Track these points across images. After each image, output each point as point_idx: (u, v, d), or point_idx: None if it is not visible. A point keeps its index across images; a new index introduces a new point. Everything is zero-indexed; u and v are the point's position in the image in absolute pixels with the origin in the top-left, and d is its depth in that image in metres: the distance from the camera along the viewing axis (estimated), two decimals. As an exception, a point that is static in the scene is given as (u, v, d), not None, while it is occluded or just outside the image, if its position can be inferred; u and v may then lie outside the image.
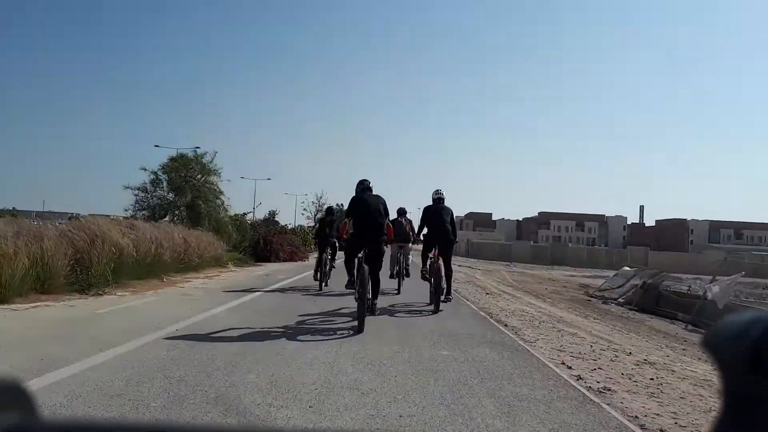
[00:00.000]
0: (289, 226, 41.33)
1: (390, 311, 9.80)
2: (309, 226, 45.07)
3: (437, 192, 10.70)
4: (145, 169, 23.61)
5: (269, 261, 23.12)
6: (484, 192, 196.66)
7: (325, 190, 68.50)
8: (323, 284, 12.95)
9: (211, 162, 24.89)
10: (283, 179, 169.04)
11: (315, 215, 50.57)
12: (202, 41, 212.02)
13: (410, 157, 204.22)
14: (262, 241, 24.27)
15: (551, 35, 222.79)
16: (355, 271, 8.39)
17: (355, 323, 7.64)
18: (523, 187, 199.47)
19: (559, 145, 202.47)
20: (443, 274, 10.08)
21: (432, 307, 9.92)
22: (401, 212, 13.25)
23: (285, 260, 24.20)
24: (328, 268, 13.22)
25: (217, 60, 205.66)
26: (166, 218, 21.82)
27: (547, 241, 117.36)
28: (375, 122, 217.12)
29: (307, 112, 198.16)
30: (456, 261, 46.85)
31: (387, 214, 8.81)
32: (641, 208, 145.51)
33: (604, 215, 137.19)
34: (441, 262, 10.17)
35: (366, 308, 7.70)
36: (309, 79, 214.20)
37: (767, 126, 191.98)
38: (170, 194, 22.96)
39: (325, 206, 47.30)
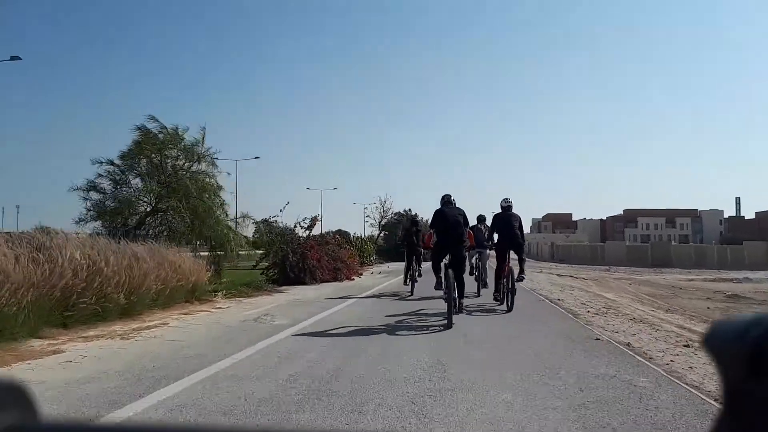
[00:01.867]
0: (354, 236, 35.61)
1: (469, 310, 10.47)
2: (371, 237, 39.68)
3: (506, 200, 11.22)
4: (100, 162, 15.60)
5: (303, 283, 16.33)
6: (562, 192, 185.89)
7: (390, 194, 60.16)
8: (413, 290, 13.42)
9: (199, 144, 16.60)
10: (349, 190, 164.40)
11: (380, 222, 44.98)
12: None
13: (481, 159, 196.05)
14: (292, 256, 16.66)
15: (622, 22, 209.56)
16: (441, 274, 9.27)
17: (445, 321, 8.52)
18: (605, 184, 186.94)
19: (644, 137, 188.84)
20: (515, 275, 10.55)
21: (504, 306, 10.67)
22: (481, 219, 14.12)
23: (325, 280, 17.43)
24: (417, 274, 13.74)
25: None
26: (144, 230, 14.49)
27: (635, 240, 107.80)
28: (445, 124, 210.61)
29: (367, 118, 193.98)
30: (544, 267, 39.91)
31: (467, 224, 9.75)
32: (737, 200, 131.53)
33: (696, 210, 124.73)
34: (514, 267, 10.79)
35: (454, 307, 8.67)
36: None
37: None
38: (145, 193, 15.16)
39: (390, 211, 42.70)
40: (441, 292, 9.26)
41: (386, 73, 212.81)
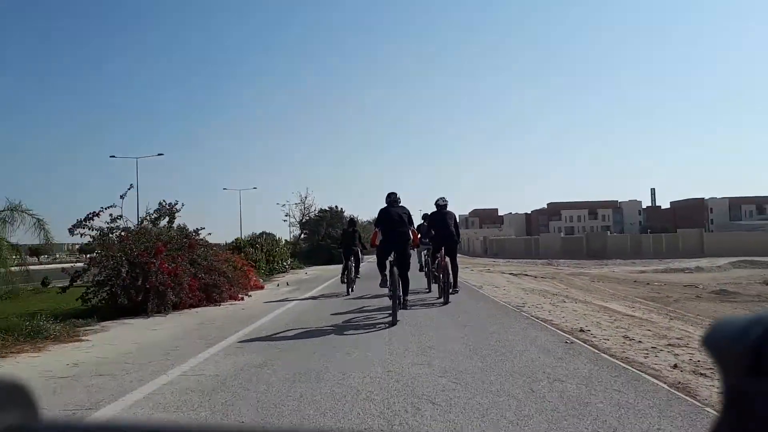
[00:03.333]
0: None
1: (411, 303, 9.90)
2: (288, 239, 33.93)
3: (442, 199, 11.49)
4: None
5: (145, 312, 9.80)
6: (487, 188, 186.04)
7: (310, 189, 51.41)
8: (350, 289, 13.28)
9: None
10: (274, 191, 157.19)
11: (301, 220, 37.87)
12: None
13: (407, 158, 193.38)
14: (125, 270, 9.83)
15: (551, 27, 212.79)
16: (387, 272, 9.17)
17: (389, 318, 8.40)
18: (528, 179, 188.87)
19: (562, 132, 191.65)
20: (450, 270, 10.87)
21: (441, 300, 10.70)
22: (424, 217, 14.06)
23: (192, 305, 10.85)
24: (353, 275, 13.69)
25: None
26: None
27: (559, 232, 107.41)
28: (371, 123, 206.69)
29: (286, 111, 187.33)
30: (483, 263, 35.64)
31: (411, 222, 9.59)
32: (653, 191, 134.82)
33: (617, 201, 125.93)
34: (448, 260, 10.89)
35: (399, 304, 8.57)
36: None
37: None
38: None
39: (313, 208, 36.51)
40: (386, 290, 9.33)
41: (308, 67, 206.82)
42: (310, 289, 15.14)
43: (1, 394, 0.49)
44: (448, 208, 11.51)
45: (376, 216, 9.71)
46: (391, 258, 9.17)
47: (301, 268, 27.38)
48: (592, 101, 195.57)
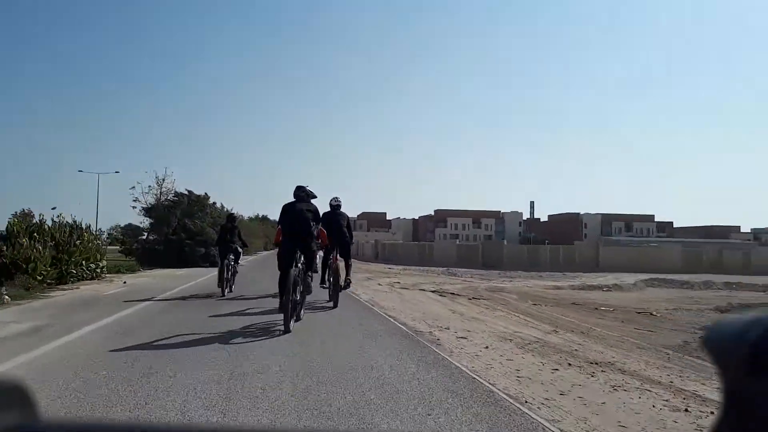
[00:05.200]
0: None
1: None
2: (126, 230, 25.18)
3: (335, 199, 10.93)
4: None
5: None
6: (375, 191, 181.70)
7: (170, 170, 35.64)
8: (226, 290, 12.02)
9: None
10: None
11: (159, 204, 26.76)
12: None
13: (292, 154, 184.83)
14: None
15: (417, 26, 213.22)
16: (289, 283, 7.30)
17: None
18: (417, 186, 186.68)
19: (447, 140, 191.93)
20: (340, 273, 10.09)
21: (331, 303, 9.79)
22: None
23: None
24: (230, 273, 12.47)
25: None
26: None
27: (444, 239, 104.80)
28: (262, 115, 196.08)
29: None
30: (378, 270, 29.42)
31: (318, 220, 8.68)
32: (531, 203, 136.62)
33: (500, 211, 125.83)
34: (340, 263, 10.31)
35: (294, 309, 7.41)
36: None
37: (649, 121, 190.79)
38: None
39: (171, 192, 28.02)
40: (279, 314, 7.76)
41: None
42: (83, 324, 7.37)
43: (1, 394, 0.48)
44: (341, 209, 10.99)
45: (280, 212, 8.53)
46: (298, 266, 7.77)
47: (133, 271, 19.37)
48: (478, 111, 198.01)
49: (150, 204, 25.86)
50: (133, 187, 25.36)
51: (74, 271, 13.30)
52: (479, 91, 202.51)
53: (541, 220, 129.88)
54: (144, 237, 24.58)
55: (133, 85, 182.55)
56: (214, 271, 19.87)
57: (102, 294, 11.44)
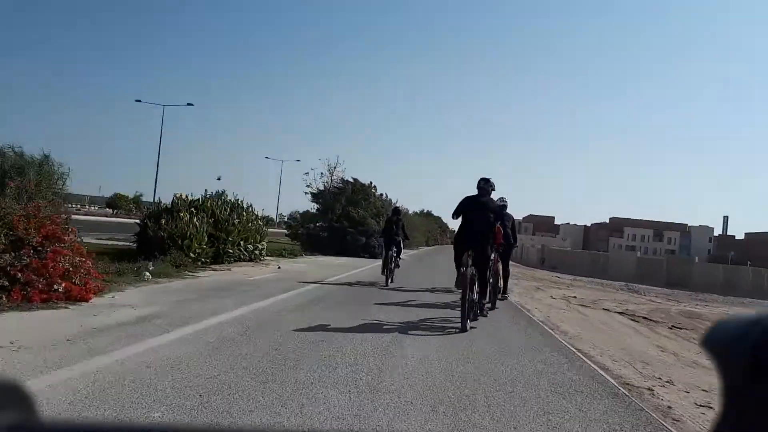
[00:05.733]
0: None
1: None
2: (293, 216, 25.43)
3: (502, 199, 9.83)
4: None
5: None
6: (545, 194, 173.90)
7: (341, 158, 36.76)
8: (389, 280, 12.13)
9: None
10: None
11: (327, 191, 26.39)
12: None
13: (459, 155, 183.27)
14: None
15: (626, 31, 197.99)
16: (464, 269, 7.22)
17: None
18: (589, 191, 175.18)
19: (631, 146, 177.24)
20: (500, 275, 9.76)
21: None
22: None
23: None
24: (393, 265, 12.47)
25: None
26: None
27: (620, 249, 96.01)
28: (436, 114, 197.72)
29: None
30: (543, 277, 27.26)
31: (498, 219, 8.13)
32: (725, 218, 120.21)
33: (686, 224, 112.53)
34: (499, 265, 9.63)
35: (471, 309, 7.14)
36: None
37: None
38: None
39: (340, 179, 28.02)
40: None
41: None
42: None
43: (1, 394, 0.48)
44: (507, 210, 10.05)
45: (459, 203, 7.79)
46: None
47: (294, 256, 19.04)
48: (668, 117, 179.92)
49: (318, 190, 25.63)
50: (307, 173, 25.70)
51: (231, 251, 12.98)
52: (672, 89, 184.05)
53: (736, 237, 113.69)
54: (311, 223, 24.54)
55: (327, 80, 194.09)
56: (372, 263, 19.15)
57: (248, 278, 10.76)
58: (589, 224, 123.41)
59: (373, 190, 25.87)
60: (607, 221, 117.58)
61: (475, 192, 7.64)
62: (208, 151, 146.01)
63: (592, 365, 5.30)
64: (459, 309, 7.06)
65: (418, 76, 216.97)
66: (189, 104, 47.52)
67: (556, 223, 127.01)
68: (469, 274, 6.96)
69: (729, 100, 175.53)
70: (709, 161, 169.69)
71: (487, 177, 7.78)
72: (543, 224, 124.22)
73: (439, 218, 78.30)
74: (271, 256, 17.15)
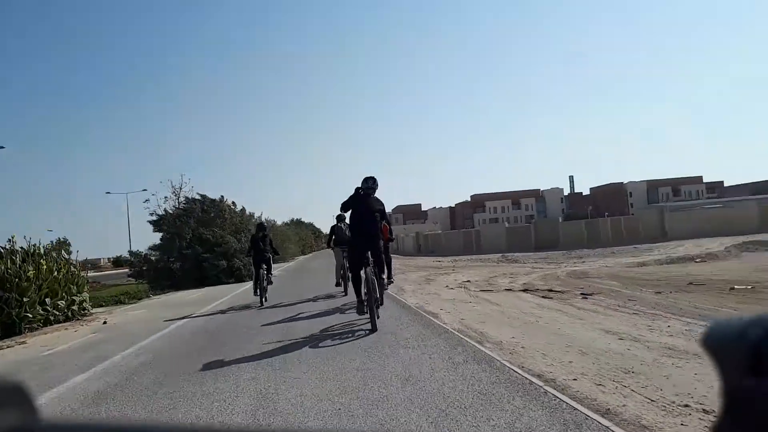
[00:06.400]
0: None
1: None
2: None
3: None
4: None
5: None
6: (408, 183, 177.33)
7: (186, 176, 33.72)
8: (263, 299, 11.69)
9: None
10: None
11: (169, 215, 22.18)
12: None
13: (316, 150, 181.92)
14: None
15: (461, 16, 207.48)
16: (362, 287, 7.31)
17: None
18: (449, 173, 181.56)
19: (478, 123, 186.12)
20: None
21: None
22: (341, 218, 12.56)
23: None
24: (266, 283, 12.05)
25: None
26: None
27: (484, 224, 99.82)
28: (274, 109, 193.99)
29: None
30: (426, 264, 25.76)
31: (383, 218, 8.15)
32: (571, 178, 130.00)
33: (539, 190, 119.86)
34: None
35: (375, 306, 7.10)
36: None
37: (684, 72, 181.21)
38: None
39: (184, 200, 21.51)
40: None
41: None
42: None
43: (1, 394, 0.47)
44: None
45: (346, 202, 7.76)
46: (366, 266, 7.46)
47: (137, 299, 15.61)
48: (501, 88, 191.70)
49: (157, 215, 21.38)
50: (147, 200, 21.96)
51: (30, 315, 9.50)
52: (498, 60, 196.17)
53: (584, 194, 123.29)
54: (158, 256, 20.43)
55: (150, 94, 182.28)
56: (240, 287, 16.34)
57: (43, 353, 7.50)
58: (453, 205, 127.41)
59: (228, 205, 22.49)
60: (469, 199, 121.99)
61: (357, 190, 7.61)
62: (37, 197, 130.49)
63: (593, 416, 3.13)
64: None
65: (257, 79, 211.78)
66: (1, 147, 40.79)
67: (423, 209, 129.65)
68: (369, 276, 7.00)
69: (558, 62, 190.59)
70: (551, 124, 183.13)
71: (372, 176, 7.81)
72: (411, 212, 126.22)
73: (311, 224, 75.94)
74: (104, 306, 13.74)
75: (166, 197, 22.02)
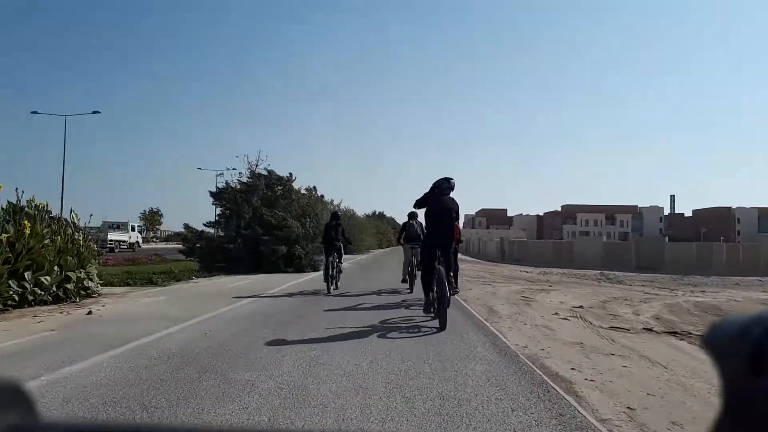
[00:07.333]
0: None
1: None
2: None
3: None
4: None
5: None
6: (495, 187, 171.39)
7: (264, 153, 32.30)
8: (331, 287, 11.73)
9: None
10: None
11: (231, 188, 19.64)
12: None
13: (410, 151, 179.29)
14: None
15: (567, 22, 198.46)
16: (434, 285, 7.31)
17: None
18: (539, 180, 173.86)
19: (578, 133, 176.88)
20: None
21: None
22: (413, 215, 12.28)
23: None
24: (335, 271, 12.09)
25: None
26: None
27: (573, 236, 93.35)
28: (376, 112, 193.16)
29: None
30: (506, 271, 22.22)
31: (457, 218, 8.03)
32: (672, 197, 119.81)
33: (637, 206, 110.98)
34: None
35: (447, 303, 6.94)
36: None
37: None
38: None
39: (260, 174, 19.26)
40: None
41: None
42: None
43: (1, 394, 0.47)
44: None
45: (421, 199, 7.91)
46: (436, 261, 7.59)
47: (177, 280, 13.32)
48: (611, 102, 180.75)
49: (217, 188, 18.87)
50: (221, 174, 19.90)
51: (11, 293, 7.14)
52: (609, 70, 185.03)
53: (685, 215, 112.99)
54: (214, 233, 18.21)
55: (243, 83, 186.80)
56: (296, 279, 13.94)
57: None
58: (541, 213, 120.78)
59: (293, 183, 19.71)
60: (559, 209, 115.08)
61: (434, 189, 7.61)
62: (132, 165, 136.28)
63: None
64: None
65: (368, 77, 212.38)
66: (95, 112, 41.02)
67: (509, 215, 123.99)
68: (442, 273, 7.01)
69: (667, 82, 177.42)
70: (653, 142, 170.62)
71: (449, 177, 7.78)
72: (496, 217, 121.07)
73: (392, 219, 73.37)
74: (131, 285, 11.50)
75: (240, 173, 19.73)
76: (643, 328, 7.56)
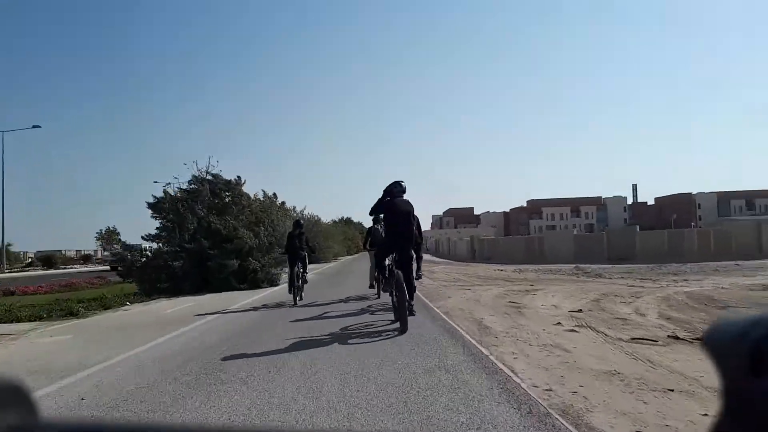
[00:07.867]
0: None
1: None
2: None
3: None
4: None
5: None
6: (461, 186, 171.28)
7: (213, 157, 28.61)
8: (297, 298, 11.51)
9: None
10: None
11: (170, 197, 17.10)
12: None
13: (375, 153, 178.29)
14: None
15: (530, 26, 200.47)
16: (387, 274, 8.10)
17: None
18: (504, 177, 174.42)
19: (538, 128, 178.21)
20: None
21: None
22: (377, 220, 11.81)
23: None
24: (300, 282, 11.78)
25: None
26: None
27: (539, 231, 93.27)
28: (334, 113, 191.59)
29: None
30: (481, 271, 21.42)
31: (415, 220, 8.18)
32: (634, 186, 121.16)
33: (600, 197, 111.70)
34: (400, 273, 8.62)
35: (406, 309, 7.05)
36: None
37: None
38: None
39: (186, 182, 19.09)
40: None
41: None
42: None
43: (1, 394, 0.47)
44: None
45: (376, 206, 8.01)
46: (389, 260, 8.08)
47: (119, 306, 11.36)
48: (568, 96, 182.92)
49: (155, 198, 16.31)
50: (169, 184, 17.49)
51: None
52: (564, 63, 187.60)
53: (648, 203, 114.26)
54: (152, 249, 15.83)
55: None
56: (250, 297, 12.47)
57: None
58: (507, 210, 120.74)
59: (242, 187, 17.53)
60: (525, 204, 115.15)
61: (388, 194, 7.72)
62: (83, 182, 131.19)
63: None
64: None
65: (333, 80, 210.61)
66: (36, 126, 38.34)
67: (475, 213, 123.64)
68: (401, 277, 7.09)
69: (623, 69, 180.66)
70: (612, 131, 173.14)
71: (400, 180, 7.87)
72: (463, 216, 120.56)
73: (359, 224, 71.74)
74: (47, 318, 9.59)
75: (189, 181, 17.50)
76: (668, 336, 6.05)
